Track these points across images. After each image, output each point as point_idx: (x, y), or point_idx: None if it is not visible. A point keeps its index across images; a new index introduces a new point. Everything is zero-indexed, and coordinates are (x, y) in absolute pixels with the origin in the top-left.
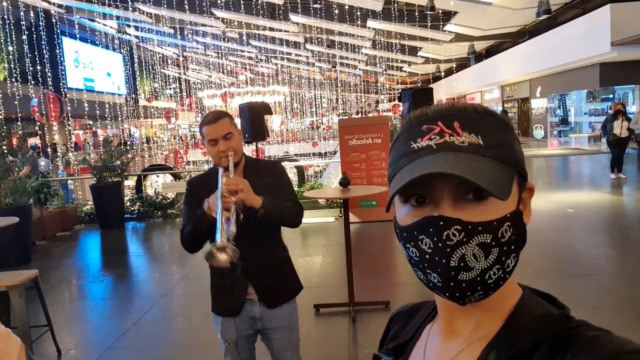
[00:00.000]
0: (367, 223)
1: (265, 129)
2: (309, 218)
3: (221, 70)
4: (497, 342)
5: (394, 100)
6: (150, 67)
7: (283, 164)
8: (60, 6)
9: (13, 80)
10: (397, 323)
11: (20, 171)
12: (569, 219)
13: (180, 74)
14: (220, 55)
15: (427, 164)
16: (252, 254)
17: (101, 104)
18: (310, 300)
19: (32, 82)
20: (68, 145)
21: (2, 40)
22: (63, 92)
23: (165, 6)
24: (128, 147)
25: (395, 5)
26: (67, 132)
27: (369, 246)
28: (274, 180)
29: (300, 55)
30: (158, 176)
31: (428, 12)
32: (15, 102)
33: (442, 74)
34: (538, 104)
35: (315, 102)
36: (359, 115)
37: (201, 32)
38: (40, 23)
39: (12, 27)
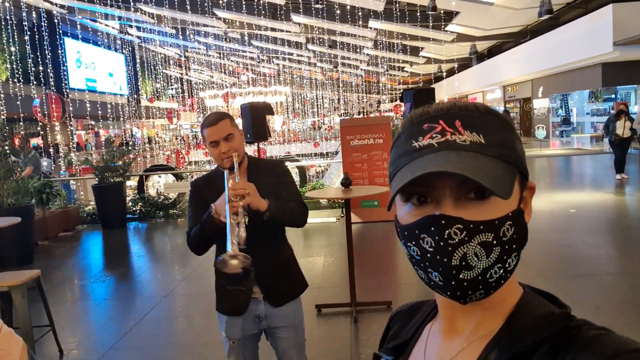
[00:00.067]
0: (369, 223)
1: (267, 129)
2: (311, 218)
3: (223, 70)
4: (498, 341)
5: (396, 100)
6: (152, 67)
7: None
8: (62, 7)
9: (15, 80)
10: (397, 322)
11: (23, 171)
12: (572, 219)
13: (182, 74)
14: (222, 55)
15: (429, 162)
16: (257, 254)
17: (103, 104)
18: (312, 300)
19: (35, 82)
20: (70, 146)
21: (4, 41)
22: (65, 93)
23: (167, 6)
24: (130, 148)
25: (397, 5)
26: (69, 133)
27: (371, 246)
28: (277, 180)
29: (302, 56)
30: (160, 176)
31: (430, 12)
32: (18, 103)
33: (444, 74)
34: (540, 104)
35: (317, 102)
36: (361, 116)
37: (203, 32)
38: (43, 23)
39: (14, 27)
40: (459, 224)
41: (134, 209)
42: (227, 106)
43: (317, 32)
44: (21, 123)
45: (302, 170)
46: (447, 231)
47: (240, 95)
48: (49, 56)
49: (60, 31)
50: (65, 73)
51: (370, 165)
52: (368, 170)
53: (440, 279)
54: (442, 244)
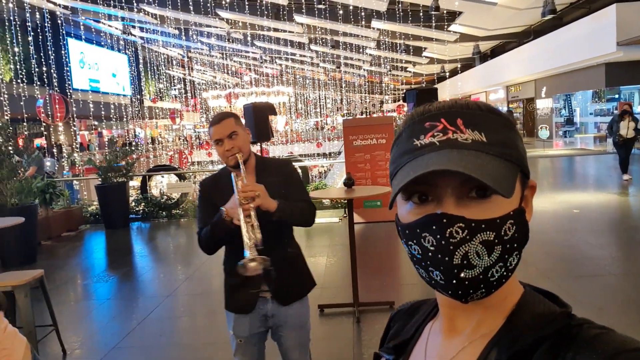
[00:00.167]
0: (372, 223)
1: (269, 129)
2: None
3: (226, 71)
4: (498, 339)
5: (399, 100)
6: (155, 68)
7: None
8: (65, 7)
9: (19, 81)
10: (398, 321)
11: (26, 171)
12: (575, 219)
13: (185, 74)
14: (224, 56)
15: (431, 161)
16: (265, 253)
17: (106, 104)
18: (314, 300)
19: (38, 83)
20: (73, 146)
21: (8, 42)
22: (68, 93)
23: (170, 7)
24: (133, 148)
25: (400, 5)
26: (72, 133)
27: (374, 246)
28: (284, 179)
29: (304, 56)
30: (163, 177)
31: (433, 13)
32: (21, 103)
33: (447, 74)
34: (543, 104)
35: (319, 102)
36: (364, 116)
37: (206, 32)
38: (46, 24)
39: (18, 28)
40: (460, 222)
41: (137, 209)
42: (230, 106)
43: (319, 33)
44: (25, 123)
45: (304, 171)
46: (448, 230)
47: (243, 96)
48: (52, 57)
49: (64, 32)
50: (68, 73)
51: (373, 166)
52: (371, 171)
53: (442, 278)
54: (443, 242)
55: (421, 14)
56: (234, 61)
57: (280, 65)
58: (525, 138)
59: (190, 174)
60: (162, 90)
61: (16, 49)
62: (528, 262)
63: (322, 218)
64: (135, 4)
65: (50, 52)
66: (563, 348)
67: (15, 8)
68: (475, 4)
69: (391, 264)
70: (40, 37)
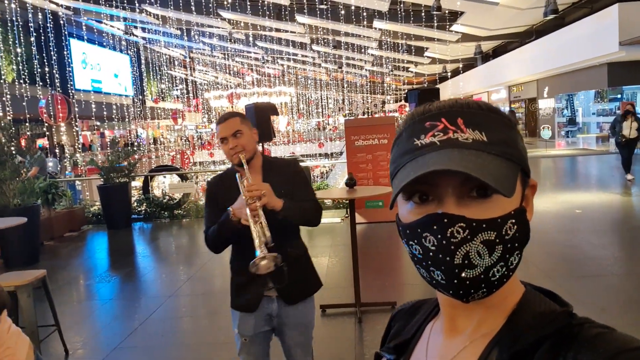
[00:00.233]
0: (374, 224)
1: (271, 129)
2: None
3: (228, 71)
4: (499, 339)
5: (401, 100)
6: (157, 68)
7: None
8: (68, 8)
9: (21, 81)
10: (399, 321)
11: (29, 172)
12: (577, 219)
13: (186, 75)
14: (226, 56)
15: (431, 161)
16: (273, 251)
17: (108, 105)
18: (316, 300)
19: (40, 83)
20: (76, 146)
21: (10, 42)
22: (71, 94)
23: (172, 7)
24: (135, 148)
25: (402, 5)
26: (74, 133)
27: (375, 247)
28: (290, 179)
29: (306, 56)
30: (165, 177)
31: (434, 12)
32: (24, 104)
33: (449, 74)
34: (545, 104)
35: (321, 102)
36: (365, 116)
37: (208, 33)
38: (48, 25)
39: (20, 29)
40: (461, 222)
41: (139, 209)
42: (232, 107)
43: (321, 33)
44: (27, 124)
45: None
46: (449, 230)
47: (245, 96)
48: (54, 57)
49: (66, 32)
50: (70, 74)
51: (375, 166)
52: (372, 171)
53: (443, 278)
54: (444, 242)
55: (423, 14)
56: (236, 61)
57: (282, 65)
58: (527, 138)
59: (192, 174)
60: (164, 91)
61: (19, 50)
62: (530, 262)
63: (324, 218)
64: (137, 5)
65: (52, 53)
66: (564, 347)
67: (18, 9)
68: (477, 3)
69: (393, 264)
70: (42, 37)
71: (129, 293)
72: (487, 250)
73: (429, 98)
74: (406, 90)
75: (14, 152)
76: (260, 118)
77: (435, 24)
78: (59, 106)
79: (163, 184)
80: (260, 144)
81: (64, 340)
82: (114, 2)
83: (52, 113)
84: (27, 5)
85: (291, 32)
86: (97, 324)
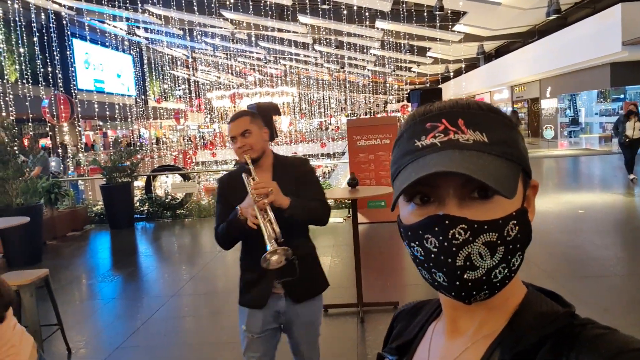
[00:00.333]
0: (376, 224)
1: (274, 129)
2: None
3: (230, 71)
4: (501, 340)
5: (403, 100)
6: (159, 68)
7: None
8: (70, 8)
9: (24, 81)
10: (401, 322)
11: (32, 171)
12: (580, 220)
13: (189, 75)
14: (229, 56)
15: (432, 162)
16: None
17: (111, 105)
18: None
19: (43, 83)
20: (78, 146)
21: (13, 42)
22: (73, 94)
23: (174, 7)
24: (137, 148)
25: (404, 5)
26: (77, 133)
27: (378, 247)
28: (300, 178)
29: (308, 56)
30: (167, 177)
31: (437, 12)
32: (27, 104)
33: (451, 74)
34: (548, 104)
35: (323, 102)
36: (368, 116)
37: (210, 33)
38: (51, 25)
39: (23, 29)
40: (463, 224)
41: (142, 209)
42: (234, 107)
43: (324, 33)
44: (30, 123)
45: None
46: (451, 231)
47: (247, 96)
48: (57, 57)
49: (69, 32)
50: (73, 74)
51: (377, 166)
52: (375, 171)
53: (445, 280)
54: (446, 244)
55: (425, 14)
56: (238, 61)
57: (285, 65)
58: (530, 138)
59: (195, 174)
60: (166, 91)
61: (21, 50)
62: (532, 263)
63: None
64: (139, 5)
65: (55, 53)
66: (566, 348)
67: (21, 9)
68: (479, 4)
69: (395, 264)
70: (45, 37)
71: (131, 292)
72: (489, 252)
73: (432, 98)
74: (408, 90)
75: (16, 151)
76: (263, 118)
77: (438, 24)
78: (62, 106)
79: (165, 184)
80: None
81: (66, 340)
82: (116, 2)
83: (54, 113)
84: (30, 5)
85: (293, 32)
86: (100, 323)
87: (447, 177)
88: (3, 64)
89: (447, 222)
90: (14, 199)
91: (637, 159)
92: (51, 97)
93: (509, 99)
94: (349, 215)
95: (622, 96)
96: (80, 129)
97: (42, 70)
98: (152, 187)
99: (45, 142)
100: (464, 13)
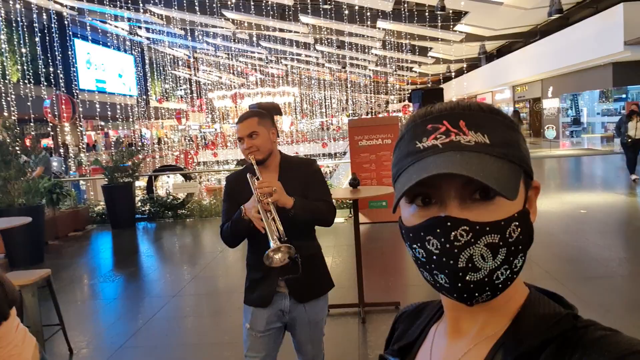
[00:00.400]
0: (377, 224)
1: (275, 129)
2: None
3: (231, 71)
4: (504, 341)
5: (404, 100)
6: (161, 68)
7: None
8: (72, 8)
9: (26, 81)
10: (402, 323)
11: (34, 172)
12: (582, 220)
13: (190, 75)
14: (230, 56)
15: (434, 164)
16: None
17: (112, 105)
18: None
19: (45, 83)
20: (80, 146)
21: (15, 43)
22: (75, 94)
23: (175, 8)
24: (139, 148)
25: (405, 5)
26: (79, 133)
27: (379, 247)
28: (306, 178)
29: (310, 56)
30: (169, 177)
31: (438, 12)
32: (28, 104)
33: (453, 74)
34: (550, 104)
35: (325, 102)
36: (369, 116)
37: (211, 33)
38: (53, 25)
39: (25, 29)
40: (464, 225)
41: (143, 209)
42: (236, 107)
43: (325, 33)
44: (32, 124)
45: None
46: (453, 233)
47: (249, 96)
48: (59, 57)
49: (70, 33)
50: (75, 74)
51: (379, 166)
52: (376, 171)
53: (447, 281)
54: (448, 245)
55: (427, 13)
56: (240, 61)
57: (286, 65)
58: (531, 138)
59: (196, 174)
60: (168, 91)
61: (23, 50)
62: (534, 263)
63: None
64: (141, 5)
65: (57, 53)
66: (569, 350)
67: (23, 9)
68: (481, 3)
69: (396, 264)
70: (47, 38)
71: (133, 292)
72: (491, 253)
73: (433, 98)
74: (410, 90)
75: (18, 151)
76: None
77: (439, 24)
78: (64, 106)
79: (167, 184)
80: None
81: (68, 340)
82: (118, 2)
83: (56, 113)
84: (32, 5)
85: (295, 32)
86: (102, 323)
87: (448, 178)
88: (5, 64)
89: (449, 223)
90: (15, 199)
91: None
92: (53, 97)
93: (510, 99)
94: (350, 216)
95: (624, 96)
96: (81, 129)
97: (43, 70)
98: (154, 187)
99: (47, 142)
100: (466, 13)
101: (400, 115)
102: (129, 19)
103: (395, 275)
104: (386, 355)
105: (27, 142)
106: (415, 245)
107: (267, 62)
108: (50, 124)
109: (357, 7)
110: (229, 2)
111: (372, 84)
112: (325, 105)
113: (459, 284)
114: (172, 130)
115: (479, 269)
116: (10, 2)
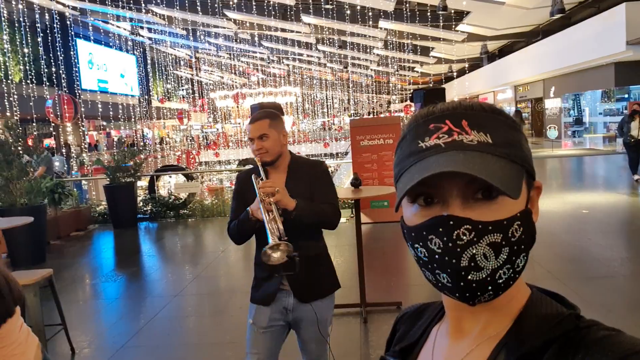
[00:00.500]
0: (379, 224)
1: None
2: None
3: (233, 71)
4: (506, 342)
5: (406, 100)
6: (163, 68)
7: None
8: (74, 8)
9: (28, 81)
10: (404, 325)
11: (36, 171)
12: (584, 220)
13: (192, 75)
14: (232, 56)
15: (437, 163)
16: None
17: (115, 105)
18: None
19: (47, 83)
20: (82, 146)
21: (17, 43)
22: (77, 94)
23: (177, 8)
24: (141, 148)
25: (407, 5)
26: (81, 133)
27: (381, 247)
28: (313, 180)
29: (311, 56)
30: (171, 177)
31: (440, 12)
32: (31, 104)
33: (455, 74)
34: (552, 104)
35: (326, 102)
36: (371, 116)
37: (213, 33)
38: (55, 25)
39: (27, 29)
40: (467, 224)
41: (145, 209)
42: (238, 107)
43: (327, 33)
44: (34, 123)
45: None
46: (455, 232)
47: (251, 96)
48: (61, 57)
49: (73, 33)
50: (77, 74)
51: (380, 166)
52: (378, 171)
53: (449, 281)
54: (450, 245)
55: (429, 13)
56: (242, 61)
57: (288, 65)
58: (533, 138)
59: (198, 174)
60: (169, 91)
61: (25, 50)
62: (536, 263)
63: None
64: (143, 5)
65: (59, 53)
66: (572, 350)
67: (25, 9)
68: (483, 3)
69: (398, 264)
70: (49, 38)
71: (134, 292)
72: (494, 253)
73: (435, 98)
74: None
75: (20, 151)
76: None
77: (441, 24)
78: (66, 106)
79: (169, 184)
80: None
81: (70, 340)
82: (120, 2)
83: (58, 113)
84: (34, 5)
85: (296, 32)
86: (103, 323)
87: (451, 178)
88: (7, 64)
89: (451, 222)
90: (17, 198)
91: None
92: (55, 97)
93: (512, 99)
94: (352, 215)
95: (626, 96)
96: (83, 129)
97: (46, 70)
98: (156, 187)
99: (49, 142)
100: (468, 13)
101: (402, 115)
102: (131, 19)
103: (397, 275)
104: (387, 356)
105: (30, 142)
106: (417, 245)
107: (268, 62)
108: (53, 124)
109: (359, 7)
110: (231, 2)
111: (374, 83)
112: (327, 105)
113: (461, 283)
114: (174, 130)
115: (482, 269)
116: (13, 2)
